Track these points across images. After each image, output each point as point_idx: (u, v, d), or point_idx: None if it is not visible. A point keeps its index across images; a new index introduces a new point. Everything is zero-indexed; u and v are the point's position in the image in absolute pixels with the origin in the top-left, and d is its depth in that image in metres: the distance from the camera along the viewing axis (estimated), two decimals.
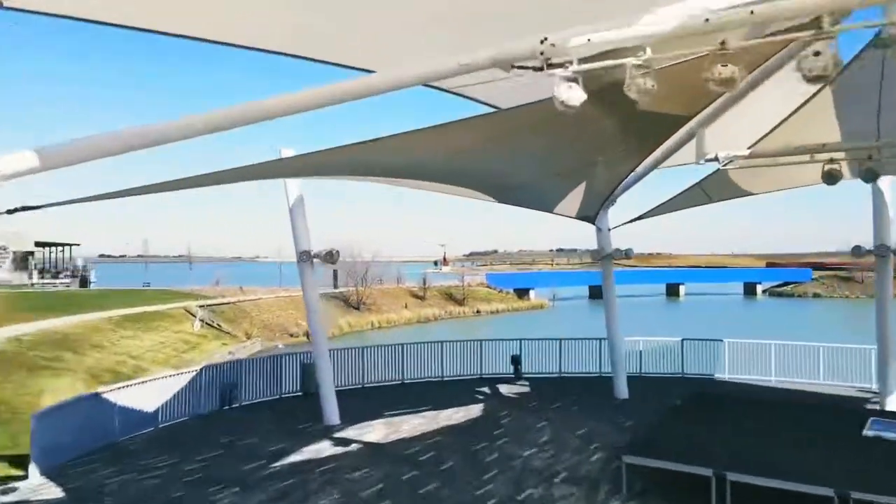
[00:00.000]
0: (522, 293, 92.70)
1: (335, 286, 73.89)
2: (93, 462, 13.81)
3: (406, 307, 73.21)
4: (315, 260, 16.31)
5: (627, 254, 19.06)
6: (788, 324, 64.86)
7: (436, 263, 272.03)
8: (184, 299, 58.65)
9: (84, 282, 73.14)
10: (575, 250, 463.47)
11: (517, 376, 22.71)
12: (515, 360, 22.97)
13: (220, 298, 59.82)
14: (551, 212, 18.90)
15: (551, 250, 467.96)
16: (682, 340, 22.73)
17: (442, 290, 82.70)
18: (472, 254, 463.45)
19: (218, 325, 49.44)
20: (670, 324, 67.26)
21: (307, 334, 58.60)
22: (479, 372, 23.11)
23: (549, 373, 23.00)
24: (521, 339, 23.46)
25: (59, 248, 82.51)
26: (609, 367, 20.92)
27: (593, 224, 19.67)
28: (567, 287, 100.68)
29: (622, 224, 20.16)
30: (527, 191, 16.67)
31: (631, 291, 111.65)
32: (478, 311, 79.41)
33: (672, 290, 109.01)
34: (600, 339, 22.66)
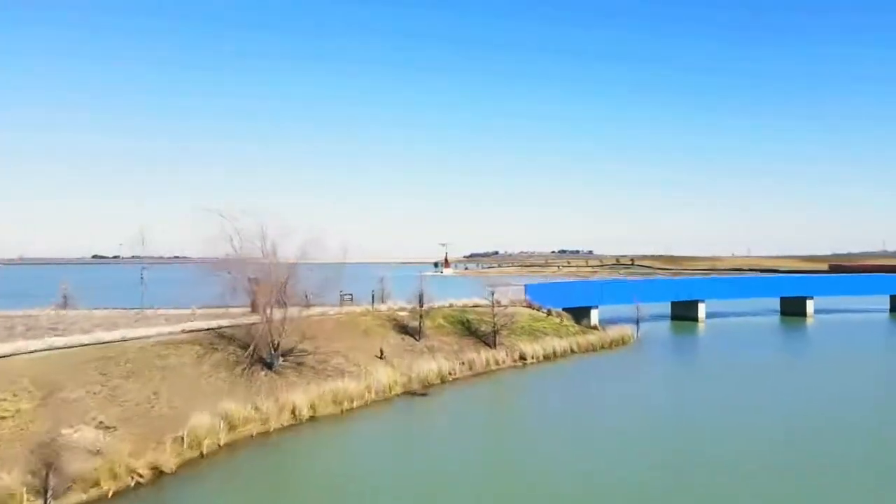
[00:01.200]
0: (580, 315, 55.85)
1: (254, 309, 36.21)
2: None
3: (381, 356, 35.84)
4: None
5: None
6: None
7: (436, 265, 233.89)
8: None
9: None
10: (577, 252, 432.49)
11: None
12: None
13: None
14: None
15: (553, 252, 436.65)
16: None
17: (452, 316, 45.39)
18: (472, 255, 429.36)
19: None
20: None
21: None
22: None
23: None
24: None
25: None
26: None
27: None
28: (630, 303, 63.39)
29: None
30: None
31: (724, 307, 74.64)
32: (521, 359, 42.03)
33: (793, 307, 71.71)
34: None
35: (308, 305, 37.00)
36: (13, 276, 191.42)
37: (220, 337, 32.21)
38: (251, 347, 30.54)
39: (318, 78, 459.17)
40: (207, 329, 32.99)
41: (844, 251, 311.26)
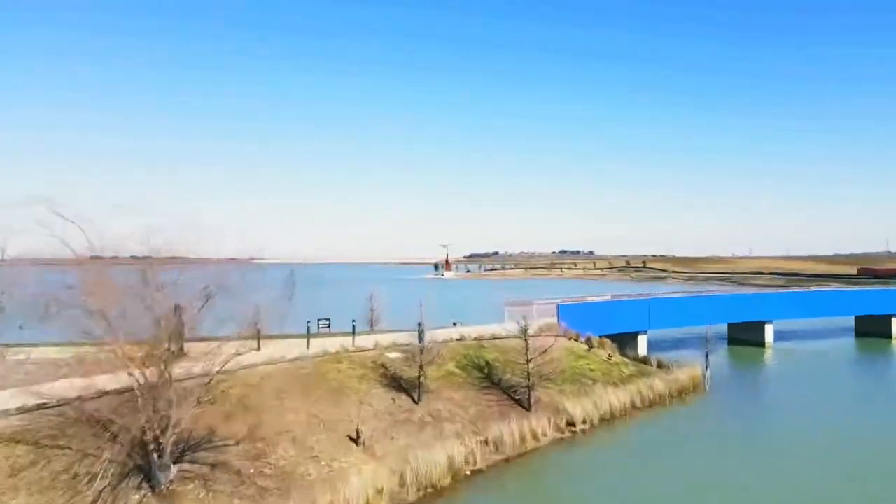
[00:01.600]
0: (624, 342, 42.86)
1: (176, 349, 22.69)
2: None
3: (358, 439, 22.47)
4: None
5: None
6: None
7: (436, 267, 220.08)
8: None
9: None
10: (578, 252, 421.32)
11: None
12: None
13: None
14: None
15: (553, 252, 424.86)
16: None
17: (465, 356, 31.98)
18: (472, 255, 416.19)
19: None
20: None
21: None
22: None
23: None
24: None
25: None
26: None
27: None
28: (686, 325, 51.66)
29: None
30: None
31: (788, 327, 61.09)
32: (570, 426, 28.63)
33: (872, 327, 58.71)
34: None
35: (258, 338, 23.89)
36: None
37: (80, 422, 18.79)
38: (117, 447, 17.13)
39: (318, 78, 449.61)
40: (63, 403, 19.59)
41: (846, 251, 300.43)
